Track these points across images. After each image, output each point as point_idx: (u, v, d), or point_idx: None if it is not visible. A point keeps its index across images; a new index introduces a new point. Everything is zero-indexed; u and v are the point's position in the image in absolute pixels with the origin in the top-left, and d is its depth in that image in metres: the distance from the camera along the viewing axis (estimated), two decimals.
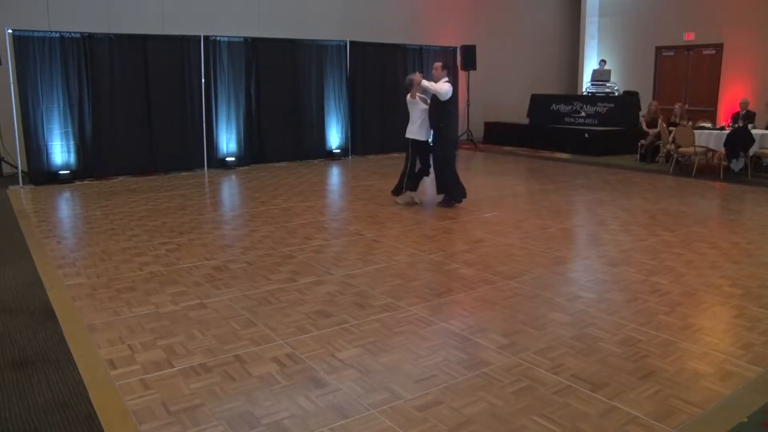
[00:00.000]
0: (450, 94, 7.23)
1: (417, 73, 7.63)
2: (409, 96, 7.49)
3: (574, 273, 5.17)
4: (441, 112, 7.37)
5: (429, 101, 7.48)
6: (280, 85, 11.24)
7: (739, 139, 9.72)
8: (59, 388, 3.15)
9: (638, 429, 2.80)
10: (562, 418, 2.87)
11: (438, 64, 7.44)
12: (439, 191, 7.70)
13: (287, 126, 11.45)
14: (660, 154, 11.62)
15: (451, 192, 7.59)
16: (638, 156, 11.89)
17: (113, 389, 3.14)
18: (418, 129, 7.43)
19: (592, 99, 13.95)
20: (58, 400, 3.03)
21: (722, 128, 10.37)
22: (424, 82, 7.25)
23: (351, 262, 5.35)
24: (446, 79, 7.32)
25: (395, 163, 10.82)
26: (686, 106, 14.10)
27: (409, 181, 7.64)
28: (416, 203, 7.65)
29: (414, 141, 7.49)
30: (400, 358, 3.51)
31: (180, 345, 3.66)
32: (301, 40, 11.47)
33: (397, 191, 7.76)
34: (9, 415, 2.89)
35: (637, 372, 3.33)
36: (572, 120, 13.87)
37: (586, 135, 12.98)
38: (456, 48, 13.63)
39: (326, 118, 11.94)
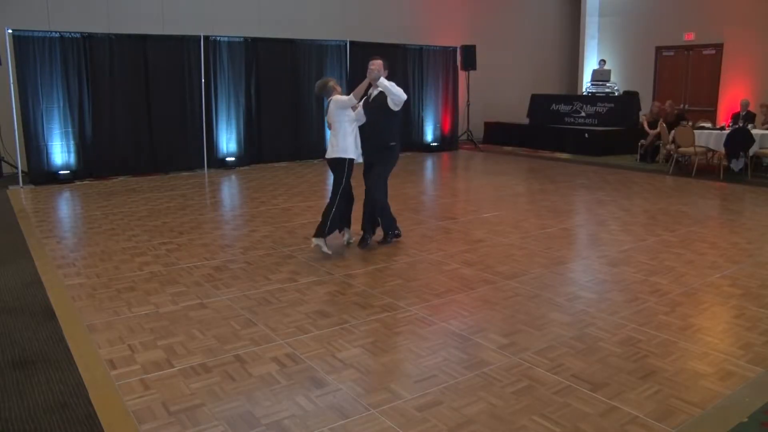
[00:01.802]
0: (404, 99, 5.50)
1: (377, 61, 5.43)
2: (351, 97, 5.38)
3: (574, 273, 5.17)
4: (391, 124, 5.64)
5: (367, 107, 5.61)
6: (280, 85, 11.24)
7: (739, 139, 9.73)
8: (59, 388, 3.15)
9: (638, 429, 2.80)
10: (562, 418, 2.87)
11: (378, 62, 5.41)
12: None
13: (287, 126, 11.45)
14: (660, 154, 11.63)
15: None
16: (638, 156, 11.90)
17: (113, 389, 3.14)
18: (353, 144, 5.48)
19: (592, 99, 13.96)
20: (58, 400, 3.03)
21: (722, 128, 10.37)
22: (383, 80, 5.36)
23: (351, 262, 5.35)
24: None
25: None
26: (685, 106, 14.12)
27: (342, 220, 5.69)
28: (329, 253, 5.49)
29: (348, 162, 5.46)
30: (400, 358, 3.51)
31: (180, 345, 3.66)
32: (301, 40, 11.47)
33: (324, 230, 5.48)
34: (9, 415, 2.89)
35: (637, 372, 3.33)
36: (572, 120, 13.88)
37: (586, 135, 12.98)
38: (456, 48, 13.63)
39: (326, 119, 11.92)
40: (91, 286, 4.69)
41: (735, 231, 6.49)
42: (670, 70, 15.07)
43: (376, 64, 5.39)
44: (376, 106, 5.56)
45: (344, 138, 5.43)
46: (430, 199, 8.47)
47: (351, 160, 5.48)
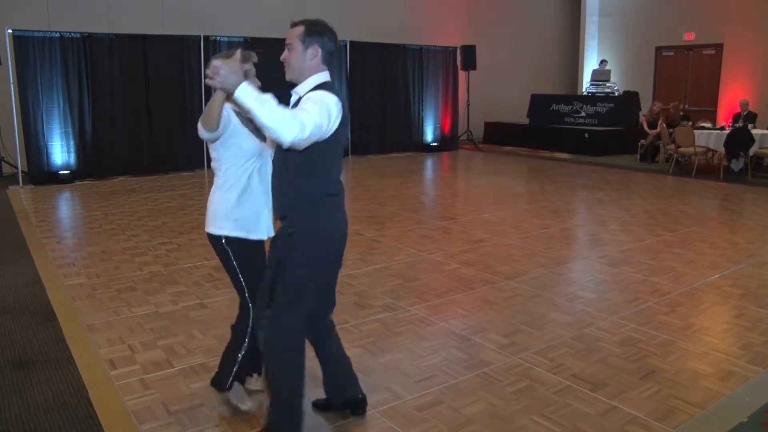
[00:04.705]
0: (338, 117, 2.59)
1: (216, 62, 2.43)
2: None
3: (574, 273, 5.17)
4: (298, 180, 2.67)
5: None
6: (280, 85, 11.22)
7: (739, 139, 9.73)
8: (59, 388, 3.15)
9: (638, 429, 2.80)
10: (562, 418, 2.87)
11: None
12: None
13: None
14: (660, 154, 11.63)
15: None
16: (638, 156, 11.90)
17: (113, 389, 3.14)
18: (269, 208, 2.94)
19: (592, 99, 13.96)
20: (58, 400, 3.03)
21: (722, 128, 10.38)
22: (245, 90, 2.35)
23: (351, 262, 5.34)
24: (324, 74, 2.74)
25: (394, 164, 10.83)
26: (685, 106, 14.12)
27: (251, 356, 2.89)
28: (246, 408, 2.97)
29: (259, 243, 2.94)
30: (400, 358, 3.51)
31: (180, 345, 3.66)
32: None
33: (227, 379, 2.92)
34: (9, 415, 2.89)
35: (637, 372, 3.33)
36: (572, 120, 13.88)
37: (586, 135, 12.98)
38: (456, 48, 13.63)
39: None
40: (91, 286, 4.69)
41: (735, 231, 6.48)
42: (670, 70, 15.07)
43: (216, 63, 2.40)
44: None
45: (259, 194, 2.99)
46: (430, 199, 8.47)
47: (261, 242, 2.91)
